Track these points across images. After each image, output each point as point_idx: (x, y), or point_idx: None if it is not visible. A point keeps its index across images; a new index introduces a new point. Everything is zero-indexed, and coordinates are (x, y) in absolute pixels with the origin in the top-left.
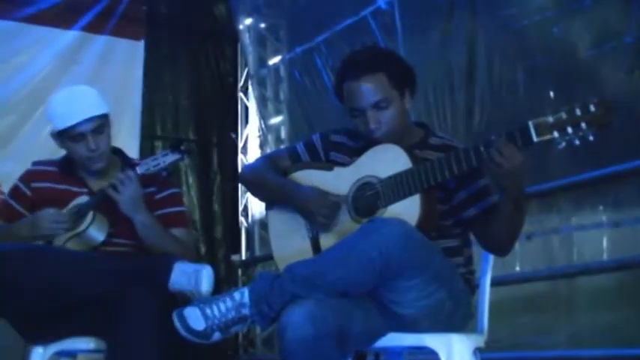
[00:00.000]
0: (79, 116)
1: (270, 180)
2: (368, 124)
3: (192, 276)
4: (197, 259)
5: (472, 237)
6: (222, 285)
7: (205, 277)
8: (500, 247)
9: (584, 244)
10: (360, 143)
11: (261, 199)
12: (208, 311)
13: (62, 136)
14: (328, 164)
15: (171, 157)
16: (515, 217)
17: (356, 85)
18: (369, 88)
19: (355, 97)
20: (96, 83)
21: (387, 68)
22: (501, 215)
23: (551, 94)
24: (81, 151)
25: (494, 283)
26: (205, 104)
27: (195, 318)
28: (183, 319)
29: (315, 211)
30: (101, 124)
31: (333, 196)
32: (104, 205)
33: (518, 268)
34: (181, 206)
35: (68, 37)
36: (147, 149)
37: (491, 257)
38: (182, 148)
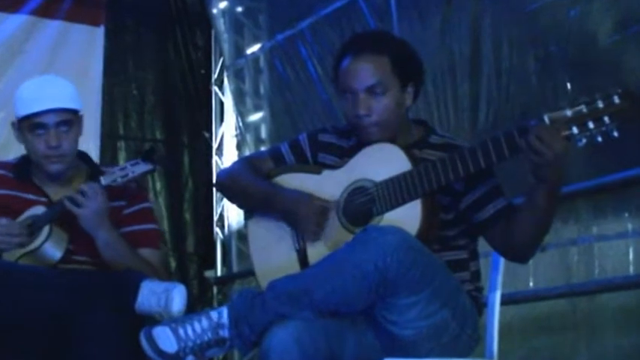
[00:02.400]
0: (44, 104)
1: (249, 184)
2: (357, 108)
3: (162, 296)
4: (167, 277)
5: (479, 249)
6: (195, 305)
7: (177, 297)
8: (525, 251)
9: (606, 256)
10: (352, 142)
11: (240, 206)
12: (181, 331)
13: (22, 125)
14: (316, 167)
15: (142, 168)
16: (550, 213)
17: (354, 63)
18: (366, 69)
19: (349, 76)
20: (47, 75)
21: (392, 53)
22: (535, 211)
23: (568, 85)
24: (39, 147)
25: (505, 301)
26: (174, 99)
27: (165, 339)
28: (151, 340)
29: (302, 217)
30: (68, 120)
31: (322, 200)
32: (63, 217)
33: (531, 284)
34: (152, 223)
35: (14, 22)
36: (108, 151)
37: (501, 272)
38: (154, 157)
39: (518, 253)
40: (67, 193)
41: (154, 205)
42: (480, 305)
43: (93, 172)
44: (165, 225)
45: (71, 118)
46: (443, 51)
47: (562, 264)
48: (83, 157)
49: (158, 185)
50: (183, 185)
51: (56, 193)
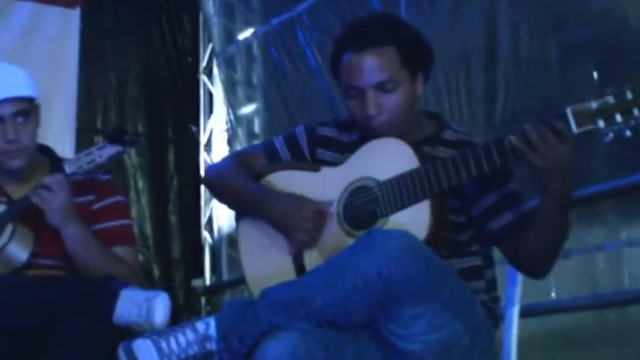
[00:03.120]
0: None
1: (238, 185)
2: (366, 108)
3: (144, 306)
4: (148, 284)
5: (495, 256)
6: (181, 317)
7: (160, 307)
8: (539, 266)
9: (636, 263)
10: (353, 137)
11: (230, 207)
12: (164, 345)
13: None
14: (314, 164)
15: (110, 150)
16: (559, 225)
17: (358, 58)
18: (373, 64)
19: (355, 74)
20: (18, 62)
21: (399, 42)
22: (541, 224)
23: (594, 74)
24: None
25: (524, 313)
26: (158, 90)
27: (146, 353)
28: (131, 355)
29: (294, 225)
30: (26, 109)
31: (317, 203)
32: (27, 216)
33: (553, 295)
34: (126, 219)
35: None
36: (84, 147)
37: (520, 280)
38: (124, 137)
39: (533, 269)
40: (29, 190)
41: (136, 207)
42: (496, 317)
43: (55, 164)
44: (148, 229)
45: (28, 108)
46: (455, 37)
47: (587, 272)
48: (43, 149)
49: (140, 184)
50: (167, 185)
51: (16, 190)
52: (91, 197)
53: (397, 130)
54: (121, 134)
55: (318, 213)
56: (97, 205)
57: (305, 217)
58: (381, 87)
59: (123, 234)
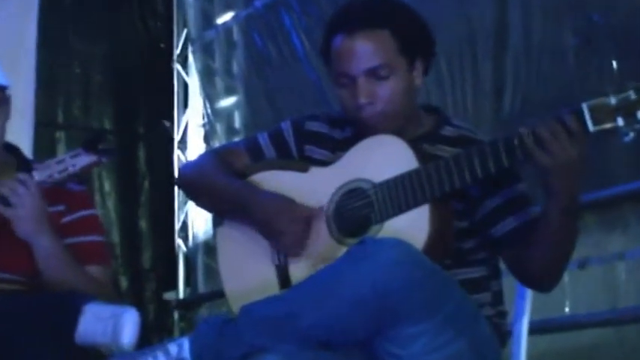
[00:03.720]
0: None
1: (218, 183)
2: (357, 96)
3: (110, 323)
4: (116, 299)
5: (503, 265)
6: (152, 334)
7: (128, 325)
8: (543, 279)
9: None
10: (346, 133)
11: (207, 209)
12: None
13: None
14: (302, 163)
15: (85, 160)
16: (565, 234)
17: (349, 42)
18: (365, 49)
19: (345, 59)
20: None
21: (395, 25)
22: (546, 231)
23: (614, 64)
24: None
25: (535, 329)
26: (128, 80)
27: None
28: None
29: (281, 229)
30: None
31: (308, 208)
32: None
33: (567, 309)
34: (99, 235)
35: None
36: (44, 143)
37: (530, 293)
38: (100, 146)
39: (536, 281)
40: None
41: (101, 211)
42: (504, 334)
43: (24, 167)
44: (115, 235)
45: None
46: (460, 21)
47: (606, 284)
48: (10, 149)
49: (107, 185)
50: (138, 186)
51: None
52: (61, 208)
53: (392, 123)
54: (98, 142)
55: (308, 218)
56: (67, 218)
57: (295, 220)
58: (373, 74)
59: (95, 251)
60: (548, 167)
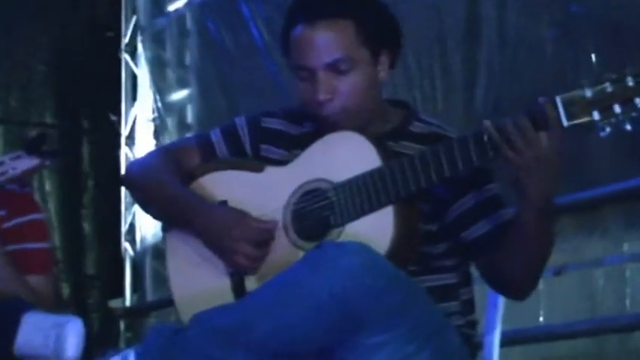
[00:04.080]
0: None
1: (164, 188)
2: (316, 92)
3: (52, 333)
4: (58, 308)
5: (474, 271)
6: (96, 345)
7: (71, 336)
8: (518, 286)
9: None
10: (305, 129)
11: (153, 216)
12: None
13: None
14: (257, 162)
15: (27, 163)
16: (540, 238)
17: (309, 32)
18: (326, 40)
19: (305, 51)
20: None
21: (358, 15)
22: (519, 235)
23: (593, 57)
24: None
25: (508, 340)
26: (71, 71)
27: None
28: None
29: (233, 247)
30: None
31: (262, 222)
32: None
33: (542, 319)
34: (44, 242)
35: None
36: None
37: (502, 301)
38: (44, 148)
39: (510, 288)
40: None
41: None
42: (474, 345)
43: None
44: (56, 239)
45: None
46: (429, 11)
47: (584, 291)
48: None
49: (47, 185)
50: (81, 185)
51: None
52: (2, 212)
53: (354, 120)
54: (41, 143)
55: (264, 233)
56: (8, 224)
57: (249, 239)
58: (334, 67)
59: (38, 260)
60: (517, 165)
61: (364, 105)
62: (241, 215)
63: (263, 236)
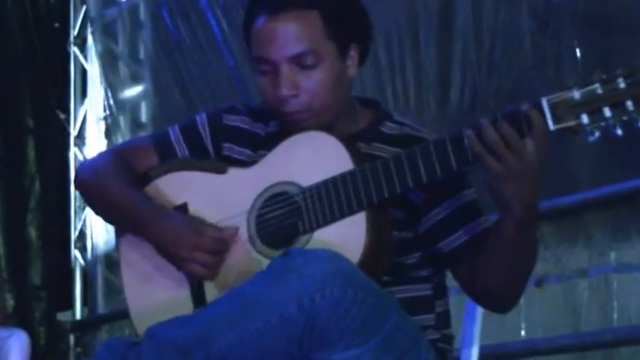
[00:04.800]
0: None
1: (115, 191)
2: (279, 87)
3: None
4: (2, 319)
5: (450, 283)
6: None
7: (15, 350)
8: (500, 298)
9: (629, 293)
10: (271, 129)
11: (106, 221)
12: None
13: None
14: (219, 163)
15: None
16: (522, 247)
17: (271, 23)
18: (290, 32)
19: (267, 42)
20: None
21: (324, 6)
22: (499, 244)
23: (578, 52)
24: None
25: (486, 355)
26: (14, 64)
27: None
28: None
29: (187, 256)
30: None
31: (218, 230)
32: None
33: (523, 333)
34: None
35: None
36: None
37: (480, 314)
38: None
39: (493, 301)
40: None
41: None
42: None
43: None
44: None
45: None
46: (400, 1)
47: (567, 304)
48: None
49: None
50: (26, 188)
51: None
52: None
53: (319, 119)
54: None
55: (219, 243)
56: None
57: (202, 247)
58: (298, 61)
59: None
60: (498, 175)
61: (330, 103)
62: (196, 222)
63: (219, 245)
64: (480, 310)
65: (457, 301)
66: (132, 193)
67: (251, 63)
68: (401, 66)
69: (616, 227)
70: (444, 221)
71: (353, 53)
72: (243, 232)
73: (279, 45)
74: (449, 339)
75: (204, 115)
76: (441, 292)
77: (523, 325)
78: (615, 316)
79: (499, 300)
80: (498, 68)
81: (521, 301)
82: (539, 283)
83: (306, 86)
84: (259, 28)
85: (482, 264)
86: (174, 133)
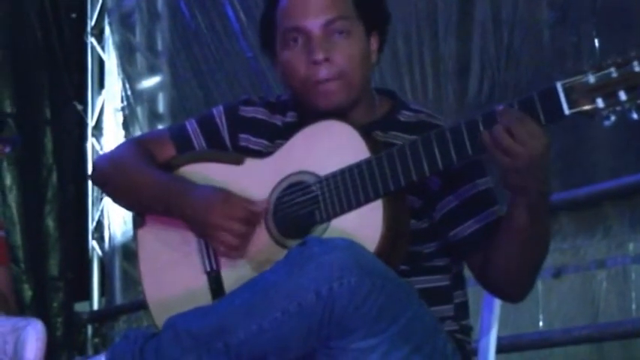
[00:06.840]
0: None
1: (139, 174)
2: (313, 52)
3: (10, 338)
4: (18, 310)
5: (468, 273)
6: (60, 351)
7: (31, 340)
8: (511, 287)
9: None
10: (288, 119)
11: (126, 205)
12: None
13: None
14: (236, 154)
15: None
16: (534, 237)
17: None
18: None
19: (299, 11)
20: None
21: None
22: (512, 232)
23: (596, 42)
24: None
25: (504, 347)
26: (32, 56)
27: None
28: None
29: (219, 224)
30: None
31: (247, 200)
32: None
33: (541, 324)
34: None
35: None
36: None
37: (498, 305)
38: (2, 135)
39: (505, 290)
40: None
41: (0, 209)
42: (468, 352)
43: None
44: (17, 237)
45: None
46: None
47: (585, 295)
48: None
49: (7, 179)
50: (44, 179)
51: None
52: None
53: (349, 93)
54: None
55: (249, 214)
56: None
57: (235, 216)
58: (332, 27)
59: None
60: (509, 167)
61: (359, 78)
62: (226, 193)
63: (251, 216)
64: (497, 302)
65: (475, 291)
66: (158, 173)
67: (273, 53)
68: (420, 57)
69: (634, 218)
70: (457, 209)
71: (373, 40)
72: (262, 223)
73: (314, 10)
74: (467, 330)
75: (220, 108)
76: (459, 282)
77: (541, 317)
78: (634, 306)
79: (512, 289)
80: (517, 60)
81: (539, 292)
82: (557, 274)
83: (340, 51)
84: (287, 3)
85: (494, 252)
86: (191, 125)
